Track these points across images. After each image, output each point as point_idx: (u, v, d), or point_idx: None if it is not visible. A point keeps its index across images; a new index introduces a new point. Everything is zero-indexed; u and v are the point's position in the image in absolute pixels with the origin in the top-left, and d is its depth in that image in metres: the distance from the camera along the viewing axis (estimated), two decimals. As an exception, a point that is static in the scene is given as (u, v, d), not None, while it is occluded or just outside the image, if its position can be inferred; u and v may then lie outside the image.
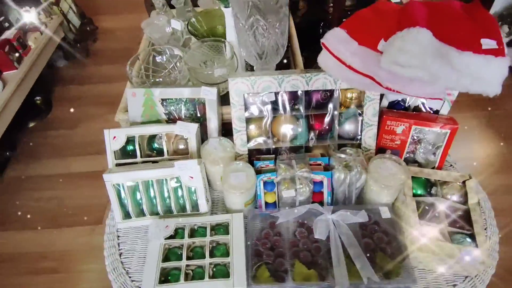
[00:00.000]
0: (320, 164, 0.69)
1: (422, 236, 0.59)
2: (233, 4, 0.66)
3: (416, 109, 0.73)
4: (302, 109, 0.69)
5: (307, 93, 0.68)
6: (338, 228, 0.63)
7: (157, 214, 0.69)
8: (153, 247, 0.63)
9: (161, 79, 0.86)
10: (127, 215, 0.69)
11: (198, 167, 0.66)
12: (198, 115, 0.77)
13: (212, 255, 0.62)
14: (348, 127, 0.70)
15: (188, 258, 0.62)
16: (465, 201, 0.65)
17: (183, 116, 0.77)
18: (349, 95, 0.68)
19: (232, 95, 0.68)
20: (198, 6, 1.19)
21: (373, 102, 0.67)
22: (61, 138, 1.76)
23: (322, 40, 0.62)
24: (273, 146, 0.72)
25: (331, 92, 0.68)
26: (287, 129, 0.71)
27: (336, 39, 0.62)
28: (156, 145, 0.74)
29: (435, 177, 0.67)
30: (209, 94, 0.75)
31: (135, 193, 0.69)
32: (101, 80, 2.04)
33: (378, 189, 0.64)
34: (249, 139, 0.72)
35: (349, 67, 0.61)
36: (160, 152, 0.73)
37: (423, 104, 0.71)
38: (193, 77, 0.84)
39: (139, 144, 0.72)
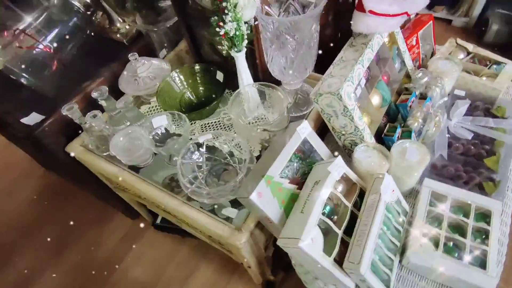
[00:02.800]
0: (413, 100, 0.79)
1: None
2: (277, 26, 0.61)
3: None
4: (377, 73, 0.75)
5: (370, 59, 0.74)
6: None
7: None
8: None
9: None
10: None
11: (390, 176, 0.62)
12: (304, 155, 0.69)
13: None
14: (397, 64, 0.82)
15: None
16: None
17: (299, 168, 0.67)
18: (386, 40, 0.79)
19: (346, 102, 0.64)
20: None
21: (399, 34, 0.80)
22: None
23: (369, 8, 0.68)
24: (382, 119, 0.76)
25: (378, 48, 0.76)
26: (376, 98, 0.76)
27: (372, 2, 0.69)
28: (329, 208, 0.62)
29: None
30: (305, 130, 0.68)
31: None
32: None
33: (451, 80, 0.81)
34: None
35: (393, 15, 0.71)
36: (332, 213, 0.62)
37: (398, 20, 0.91)
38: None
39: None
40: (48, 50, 0.79)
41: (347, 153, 0.76)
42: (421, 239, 0.61)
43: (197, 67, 0.85)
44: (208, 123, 0.84)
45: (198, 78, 0.86)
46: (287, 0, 0.68)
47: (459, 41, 0.92)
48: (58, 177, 1.45)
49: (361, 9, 0.71)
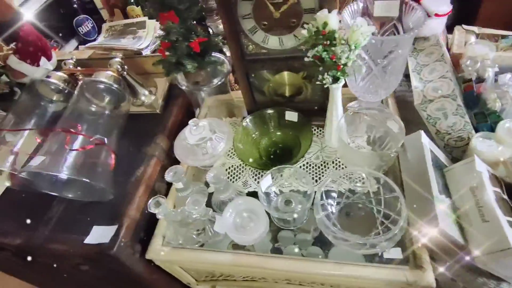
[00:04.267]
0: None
1: None
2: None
3: None
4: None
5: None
6: None
7: None
8: None
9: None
10: None
11: None
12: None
13: None
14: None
15: None
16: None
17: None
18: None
19: (459, 101, 0.65)
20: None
21: (438, 31, 0.85)
22: None
23: (434, 12, 0.71)
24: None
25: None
26: (453, 92, 0.78)
27: (435, 6, 0.72)
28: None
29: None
30: (427, 140, 0.66)
31: None
32: None
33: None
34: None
35: (446, 14, 0.75)
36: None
37: None
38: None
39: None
40: (102, 143, 0.63)
41: (448, 152, 0.76)
42: None
43: (269, 111, 0.77)
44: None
45: (271, 123, 0.78)
46: (390, 22, 0.66)
47: (465, 26, 1.03)
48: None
49: (422, 14, 0.74)
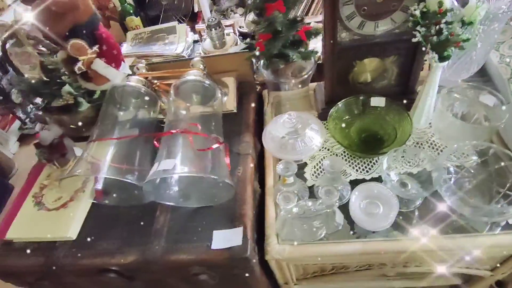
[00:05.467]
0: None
1: None
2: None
3: None
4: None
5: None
6: None
7: None
8: None
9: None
10: None
11: None
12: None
13: None
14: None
15: None
16: None
17: None
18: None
19: None
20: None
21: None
22: None
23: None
24: None
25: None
26: None
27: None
28: None
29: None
30: None
31: None
32: None
33: None
34: None
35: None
36: None
37: None
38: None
39: None
40: (221, 142, 0.58)
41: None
42: None
43: (354, 98, 0.77)
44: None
45: (358, 110, 0.78)
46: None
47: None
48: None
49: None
